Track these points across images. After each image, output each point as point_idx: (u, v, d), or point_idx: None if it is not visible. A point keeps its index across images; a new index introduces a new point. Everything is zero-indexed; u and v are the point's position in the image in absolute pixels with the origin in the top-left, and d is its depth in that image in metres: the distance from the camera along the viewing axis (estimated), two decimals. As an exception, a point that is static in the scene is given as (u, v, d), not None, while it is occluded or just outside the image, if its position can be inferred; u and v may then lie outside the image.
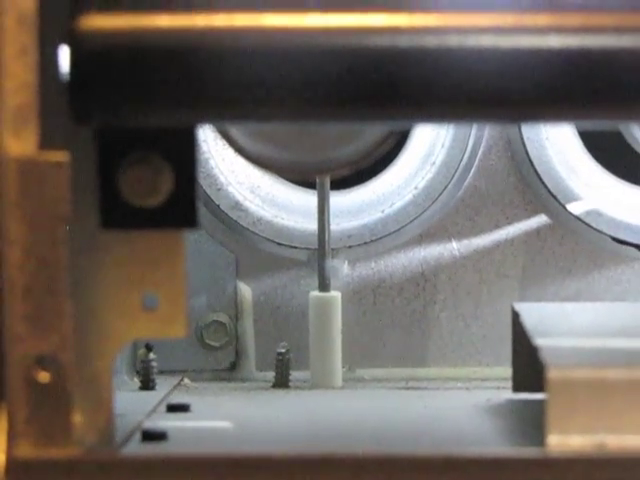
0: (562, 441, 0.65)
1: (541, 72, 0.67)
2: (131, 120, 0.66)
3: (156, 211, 0.68)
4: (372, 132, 0.77)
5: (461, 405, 0.82)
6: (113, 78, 0.63)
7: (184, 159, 0.68)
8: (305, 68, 0.65)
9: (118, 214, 0.68)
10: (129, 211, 0.67)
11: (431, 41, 0.66)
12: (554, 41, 0.66)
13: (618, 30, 0.66)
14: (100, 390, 0.66)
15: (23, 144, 0.61)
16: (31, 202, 0.61)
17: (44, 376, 0.62)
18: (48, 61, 0.62)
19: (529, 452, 0.65)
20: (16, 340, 0.62)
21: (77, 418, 0.63)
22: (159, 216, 0.68)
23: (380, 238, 0.93)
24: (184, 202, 0.68)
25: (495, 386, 0.85)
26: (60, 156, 0.61)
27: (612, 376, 0.66)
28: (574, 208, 0.91)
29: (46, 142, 0.62)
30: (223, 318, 0.93)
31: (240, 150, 0.77)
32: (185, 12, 0.64)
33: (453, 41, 0.66)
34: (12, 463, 0.62)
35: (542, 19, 0.67)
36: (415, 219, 0.92)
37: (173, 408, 0.81)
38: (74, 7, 0.62)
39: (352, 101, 0.69)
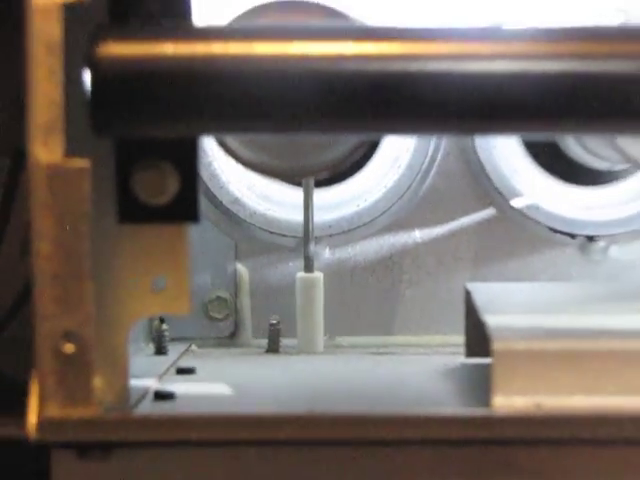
0: (505, 402, 0.64)
1: (500, 92, 0.65)
2: (143, 132, 0.65)
3: (164, 208, 0.66)
4: (346, 141, 0.77)
5: (422, 368, 0.81)
6: (127, 97, 0.62)
7: (188, 164, 0.66)
8: (287, 90, 0.64)
9: (132, 211, 0.66)
10: (141, 208, 0.66)
11: (406, 66, 0.64)
12: (513, 65, 0.65)
13: (573, 56, 0.65)
14: (117, 359, 0.65)
15: (51, 153, 0.60)
16: (58, 202, 0.61)
17: (69, 348, 0.61)
18: (72, 82, 0.61)
19: (477, 411, 0.64)
20: (45, 318, 0.62)
21: (97, 383, 0.62)
22: (167, 212, 0.66)
23: (355, 228, 0.92)
24: (188, 201, 0.66)
25: (451, 352, 0.84)
26: (82, 163, 0.60)
27: (547, 346, 0.66)
28: (517, 203, 0.91)
29: (70, 151, 0.61)
30: (224, 294, 0.93)
31: (235, 157, 0.78)
32: (187, 41, 0.63)
33: (427, 66, 0.64)
34: (42, 422, 0.62)
35: (511, 47, 0.66)
36: (384, 212, 0.91)
37: (181, 371, 0.80)
38: (94, 36, 0.61)
39: (336, 116, 0.67)
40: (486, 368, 0.66)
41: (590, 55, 0.66)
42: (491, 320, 0.71)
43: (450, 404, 0.68)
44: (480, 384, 0.67)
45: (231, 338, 0.94)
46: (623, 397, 0.64)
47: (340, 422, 0.64)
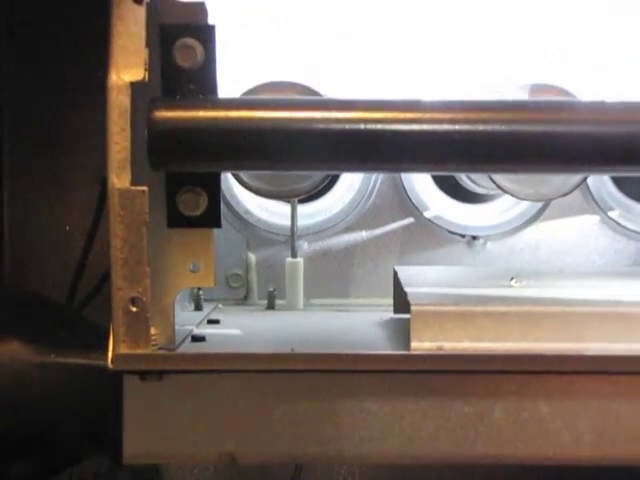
0: (419, 346, 0.62)
1: (445, 146, 0.61)
2: (183, 168, 0.64)
3: (198, 218, 0.65)
4: (316, 175, 0.75)
5: (367, 320, 0.79)
6: (172, 146, 0.61)
7: (214, 189, 0.65)
8: (289, 144, 0.62)
9: (176, 219, 0.65)
10: (183, 218, 0.65)
11: (384, 127, 0.61)
12: (451, 127, 0.60)
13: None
14: (167, 315, 0.65)
15: (122, 181, 0.58)
16: (126, 213, 0.59)
17: (133, 308, 0.60)
18: (136, 135, 0.59)
19: (400, 352, 0.63)
20: (118, 289, 0.60)
21: (152, 331, 0.61)
22: (199, 221, 0.65)
23: (325, 230, 0.90)
24: (214, 213, 0.66)
25: (384, 309, 0.81)
26: (143, 188, 0.58)
27: (447, 308, 0.64)
28: (427, 214, 0.90)
29: (135, 179, 0.59)
30: (239, 271, 0.90)
31: (244, 185, 0.76)
32: (213, 108, 0.62)
33: (401, 127, 0.61)
34: (116, 357, 0.61)
35: (450, 114, 0.62)
36: (343, 220, 0.90)
37: (211, 321, 0.78)
38: (151, 105, 0.60)
39: (327, 161, 0.65)
40: (406, 322, 0.64)
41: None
42: (409, 290, 0.69)
43: (383, 346, 0.68)
44: (403, 332, 0.65)
45: (244, 300, 0.92)
46: (497, 343, 0.63)
47: (310, 358, 0.63)
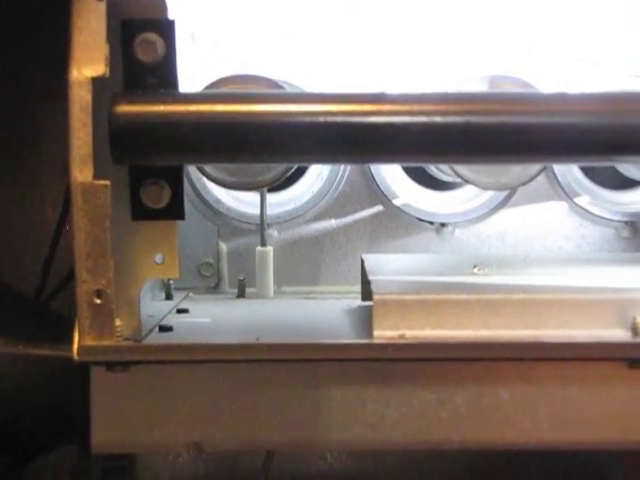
0: (381, 334, 0.63)
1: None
2: (146, 162, 0.64)
3: (161, 210, 0.65)
4: (279, 166, 0.76)
5: (334, 307, 0.80)
6: (134, 139, 0.61)
7: (177, 182, 0.66)
8: (249, 136, 0.61)
9: (140, 212, 0.65)
10: (146, 210, 0.65)
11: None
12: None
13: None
14: (132, 307, 0.65)
15: (85, 175, 0.59)
16: (89, 207, 0.59)
17: (98, 300, 0.60)
18: (98, 130, 0.60)
19: (362, 341, 0.64)
20: (83, 282, 0.60)
21: (117, 322, 0.61)
22: (163, 213, 0.65)
23: (294, 218, 0.90)
24: (177, 205, 0.66)
25: (353, 297, 0.82)
26: (106, 182, 0.59)
27: (409, 297, 0.65)
28: (396, 202, 0.90)
29: (97, 174, 0.59)
30: (210, 260, 0.90)
31: (209, 177, 0.77)
32: (172, 102, 0.62)
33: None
34: (81, 348, 0.61)
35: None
36: (312, 208, 0.90)
37: (180, 311, 0.78)
38: (112, 100, 0.60)
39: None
40: (371, 310, 0.65)
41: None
42: (374, 279, 0.70)
43: (348, 334, 0.69)
44: (368, 320, 0.66)
45: (215, 288, 0.92)
46: (458, 331, 0.63)
47: (274, 348, 0.64)
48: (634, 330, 0.61)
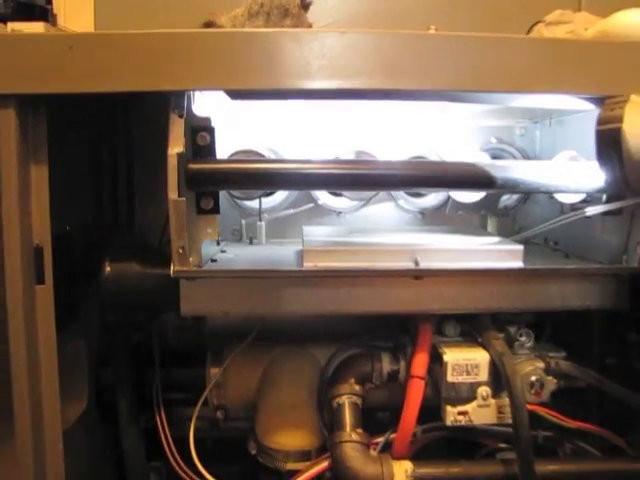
0: (307, 265, 0.92)
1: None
2: (202, 189, 0.88)
3: (209, 210, 0.92)
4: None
5: (290, 251, 1.09)
6: (197, 180, 0.85)
7: (216, 197, 0.91)
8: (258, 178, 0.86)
9: (200, 210, 0.91)
10: (202, 209, 0.91)
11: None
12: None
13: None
14: (198, 252, 0.89)
15: (174, 195, 0.81)
16: (177, 210, 0.80)
17: (181, 250, 0.84)
18: (181, 176, 0.82)
19: (297, 269, 0.92)
20: (174, 241, 0.81)
21: (190, 259, 0.86)
22: (210, 211, 0.92)
23: (275, 209, 1.24)
24: (215, 207, 0.91)
25: (299, 245, 1.03)
26: (183, 198, 0.80)
27: (320, 247, 0.94)
28: (320, 202, 1.19)
29: (180, 195, 0.82)
30: (237, 227, 1.24)
31: (233, 195, 1.13)
32: (217, 162, 0.88)
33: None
34: (175, 271, 0.86)
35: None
36: (283, 205, 1.23)
37: (222, 251, 1.07)
38: (187, 163, 0.84)
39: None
40: (302, 252, 0.91)
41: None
42: (306, 238, 0.99)
43: (293, 264, 0.96)
44: (301, 257, 0.92)
45: (239, 241, 1.23)
46: (342, 264, 0.91)
47: (262, 272, 0.91)
48: (415, 263, 0.94)
